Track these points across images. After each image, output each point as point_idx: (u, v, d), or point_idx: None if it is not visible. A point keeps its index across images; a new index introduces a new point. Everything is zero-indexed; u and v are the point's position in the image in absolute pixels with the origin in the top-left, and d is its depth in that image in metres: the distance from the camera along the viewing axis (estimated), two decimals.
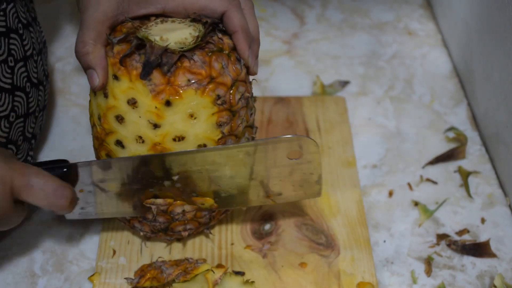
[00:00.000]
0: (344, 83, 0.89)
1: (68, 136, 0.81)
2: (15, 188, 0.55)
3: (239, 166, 0.61)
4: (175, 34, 0.58)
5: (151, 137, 0.58)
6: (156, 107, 0.56)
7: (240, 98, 0.60)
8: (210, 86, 0.57)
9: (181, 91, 0.56)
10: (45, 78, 0.76)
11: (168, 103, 0.56)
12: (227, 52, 0.59)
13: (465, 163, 0.79)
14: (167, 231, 0.65)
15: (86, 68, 0.58)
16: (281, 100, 0.85)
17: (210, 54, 0.57)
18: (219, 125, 0.58)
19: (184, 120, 0.57)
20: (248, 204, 0.65)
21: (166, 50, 0.56)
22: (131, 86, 0.57)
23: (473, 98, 0.86)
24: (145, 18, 0.60)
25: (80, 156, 0.78)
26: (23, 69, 0.69)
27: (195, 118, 0.57)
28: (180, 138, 0.58)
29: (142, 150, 0.59)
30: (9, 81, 0.67)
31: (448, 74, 0.91)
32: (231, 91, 0.58)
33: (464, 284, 0.67)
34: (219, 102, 0.58)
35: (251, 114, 0.63)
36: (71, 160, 0.79)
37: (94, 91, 0.59)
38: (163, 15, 0.60)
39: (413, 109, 0.86)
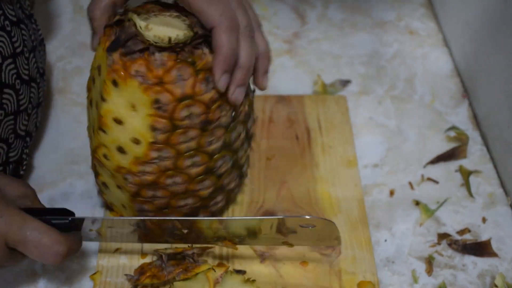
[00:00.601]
0: (345, 83, 0.89)
1: (69, 135, 0.81)
2: (10, 241, 0.56)
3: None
4: (164, 29, 0.58)
5: (99, 106, 0.60)
6: (105, 82, 0.58)
7: (188, 116, 0.58)
8: (156, 87, 0.57)
9: (127, 78, 0.57)
10: (39, 75, 0.76)
11: (115, 83, 0.58)
12: (198, 68, 0.58)
13: (466, 163, 0.79)
14: (169, 208, 0.65)
15: (91, 29, 0.62)
16: (282, 99, 0.85)
17: (178, 60, 0.57)
18: (153, 129, 0.58)
19: (126, 107, 0.58)
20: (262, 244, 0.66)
21: (136, 35, 0.57)
22: (102, 54, 0.59)
23: (474, 98, 0.86)
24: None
25: (81, 155, 0.78)
26: (12, 65, 0.69)
27: (135, 110, 0.58)
28: (119, 121, 0.59)
29: (93, 116, 0.61)
30: None
31: (449, 73, 0.91)
32: (177, 104, 0.58)
33: (465, 284, 0.67)
34: (155, 106, 0.57)
35: (213, 141, 0.62)
36: (72, 161, 0.79)
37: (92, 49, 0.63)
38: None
39: (414, 108, 0.86)
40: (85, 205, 0.73)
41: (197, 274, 0.61)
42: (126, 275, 0.65)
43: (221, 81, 0.57)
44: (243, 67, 0.58)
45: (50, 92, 0.87)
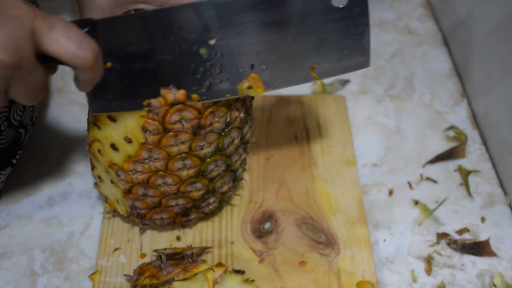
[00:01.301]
0: (344, 82, 0.89)
1: (67, 134, 0.81)
2: (36, 32, 0.47)
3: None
4: None
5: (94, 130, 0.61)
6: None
7: (180, 120, 0.59)
8: None
9: None
10: None
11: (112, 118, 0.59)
12: None
13: (465, 162, 0.79)
14: (160, 207, 0.65)
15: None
16: (281, 99, 0.85)
17: None
18: (144, 130, 0.59)
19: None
20: (290, 84, 0.58)
21: None
22: None
23: (473, 97, 0.86)
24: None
25: (79, 154, 0.78)
26: None
27: None
28: (113, 119, 0.59)
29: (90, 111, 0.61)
30: None
31: (448, 72, 0.91)
32: (169, 108, 0.58)
33: (464, 283, 0.67)
34: (146, 108, 0.58)
35: (204, 146, 0.61)
36: (71, 160, 0.79)
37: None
38: None
39: (413, 108, 0.86)
40: (84, 204, 0.73)
41: (196, 274, 0.61)
42: (125, 275, 0.65)
43: None
44: None
45: (48, 91, 0.87)
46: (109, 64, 0.54)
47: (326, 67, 0.58)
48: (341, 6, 0.55)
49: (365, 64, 0.59)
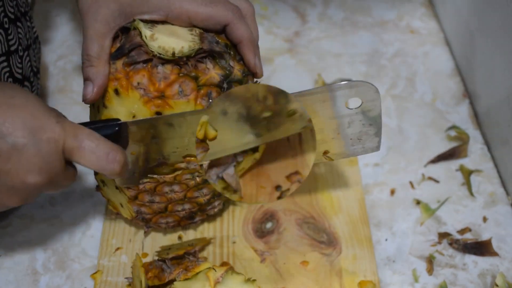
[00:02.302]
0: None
1: None
2: (67, 149, 0.53)
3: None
4: (169, 40, 0.57)
5: (101, 111, 0.59)
6: (108, 90, 0.58)
7: None
8: (156, 101, 0.57)
9: (129, 89, 0.57)
10: (33, 74, 0.75)
11: (116, 92, 0.58)
12: (200, 83, 0.58)
13: (467, 162, 0.79)
14: (166, 212, 0.65)
15: (85, 79, 0.58)
16: None
17: (180, 74, 0.57)
18: None
19: (127, 116, 0.58)
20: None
21: (141, 46, 0.57)
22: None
23: (475, 97, 0.86)
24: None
25: None
26: (4, 63, 0.69)
27: None
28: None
29: (95, 118, 0.62)
30: None
31: (450, 72, 0.91)
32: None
33: (465, 283, 0.67)
34: None
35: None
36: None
37: (83, 101, 0.59)
38: (167, 22, 0.60)
39: (415, 107, 0.86)
40: (85, 204, 0.73)
41: (197, 273, 0.61)
42: (126, 278, 0.65)
43: (257, 66, 0.60)
44: (257, 42, 0.62)
45: (50, 91, 0.87)
46: (134, 153, 0.58)
47: (338, 152, 0.61)
48: (355, 108, 0.58)
49: (376, 149, 0.62)
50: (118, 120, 0.57)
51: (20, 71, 0.71)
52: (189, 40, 0.58)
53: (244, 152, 0.66)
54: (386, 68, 0.92)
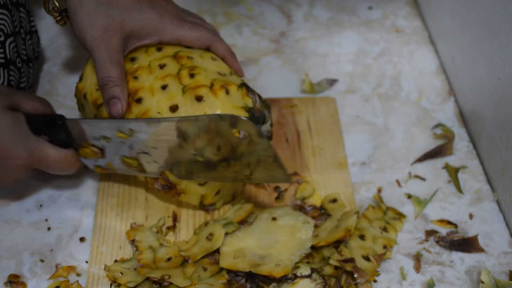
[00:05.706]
0: (332, 81, 0.90)
1: None
2: (35, 168, 0.65)
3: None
4: None
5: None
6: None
7: None
8: None
9: None
10: (34, 58, 0.82)
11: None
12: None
13: (453, 160, 0.80)
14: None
15: (111, 98, 0.64)
16: (272, 102, 0.84)
17: None
18: None
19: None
20: (227, 181, 0.66)
21: None
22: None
23: (460, 95, 0.87)
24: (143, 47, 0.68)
25: None
26: (13, 44, 0.73)
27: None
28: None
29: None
30: (1, 55, 0.72)
31: (435, 70, 0.92)
32: None
33: (453, 280, 0.68)
34: None
35: None
36: None
37: (114, 117, 0.64)
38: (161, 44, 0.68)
39: (400, 106, 0.87)
40: (72, 207, 0.73)
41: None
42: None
43: (240, 70, 0.71)
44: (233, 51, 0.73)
45: (36, 94, 0.86)
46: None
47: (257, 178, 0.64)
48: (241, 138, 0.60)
49: (287, 180, 0.63)
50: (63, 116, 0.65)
51: (24, 52, 0.77)
52: None
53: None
54: (372, 67, 0.92)
